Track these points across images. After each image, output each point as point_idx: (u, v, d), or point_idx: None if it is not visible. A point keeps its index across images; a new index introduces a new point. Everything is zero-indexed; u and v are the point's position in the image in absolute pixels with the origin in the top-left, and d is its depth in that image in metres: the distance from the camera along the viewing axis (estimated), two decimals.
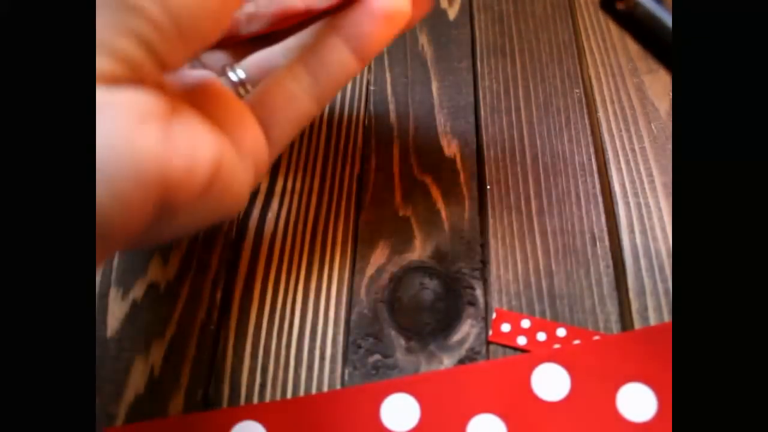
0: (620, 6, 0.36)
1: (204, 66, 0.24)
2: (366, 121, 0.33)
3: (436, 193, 0.30)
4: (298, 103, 0.23)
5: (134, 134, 0.16)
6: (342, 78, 0.23)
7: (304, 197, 0.30)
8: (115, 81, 0.16)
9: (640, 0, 0.35)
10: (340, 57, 0.23)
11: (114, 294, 0.27)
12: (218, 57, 0.25)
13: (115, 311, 0.27)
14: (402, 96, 0.34)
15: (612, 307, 0.27)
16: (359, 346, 0.26)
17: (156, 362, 0.26)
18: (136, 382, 0.25)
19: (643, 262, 0.28)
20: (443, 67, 0.35)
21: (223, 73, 0.24)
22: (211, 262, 0.28)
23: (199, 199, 0.19)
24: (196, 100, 0.20)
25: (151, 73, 0.17)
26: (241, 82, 0.24)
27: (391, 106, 0.34)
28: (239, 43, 0.25)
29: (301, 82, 0.23)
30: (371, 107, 0.34)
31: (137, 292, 0.27)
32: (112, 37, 0.16)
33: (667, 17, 0.35)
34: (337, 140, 0.32)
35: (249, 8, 0.23)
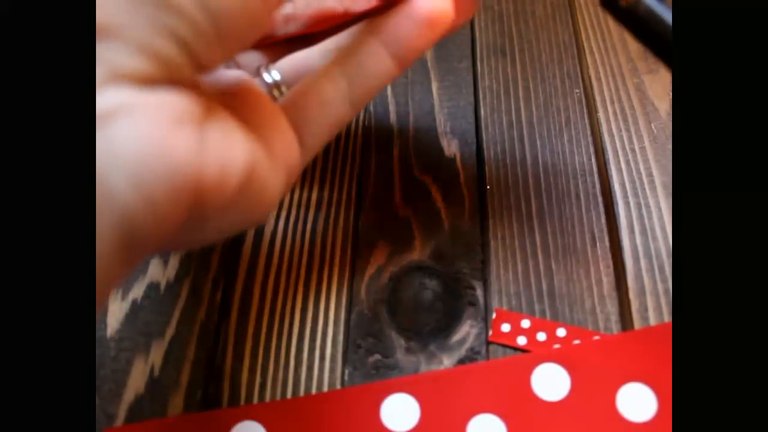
0: (622, 1, 0.36)
1: (238, 66, 0.24)
2: (366, 121, 0.33)
3: (436, 193, 0.30)
4: (333, 107, 0.22)
5: (168, 137, 0.16)
6: (379, 82, 0.22)
7: (304, 197, 0.30)
8: (151, 81, 0.16)
9: None
10: (378, 61, 0.22)
11: (114, 294, 0.27)
12: (253, 57, 0.24)
13: (115, 311, 0.27)
14: (402, 96, 0.34)
15: (612, 307, 0.27)
16: (359, 346, 0.26)
17: (156, 362, 0.26)
18: (136, 382, 0.25)
19: (643, 262, 0.28)
20: (443, 67, 0.35)
21: (257, 74, 0.23)
22: (211, 262, 0.28)
23: (230, 205, 0.18)
24: (229, 101, 0.20)
25: (187, 73, 0.17)
26: (276, 84, 0.23)
27: (391, 107, 0.34)
28: (275, 44, 0.24)
29: (337, 85, 0.22)
30: (371, 107, 0.34)
31: (137, 292, 0.27)
32: (149, 36, 0.15)
33: (667, 14, 0.35)
34: (337, 140, 0.32)
35: (286, 9, 0.22)
